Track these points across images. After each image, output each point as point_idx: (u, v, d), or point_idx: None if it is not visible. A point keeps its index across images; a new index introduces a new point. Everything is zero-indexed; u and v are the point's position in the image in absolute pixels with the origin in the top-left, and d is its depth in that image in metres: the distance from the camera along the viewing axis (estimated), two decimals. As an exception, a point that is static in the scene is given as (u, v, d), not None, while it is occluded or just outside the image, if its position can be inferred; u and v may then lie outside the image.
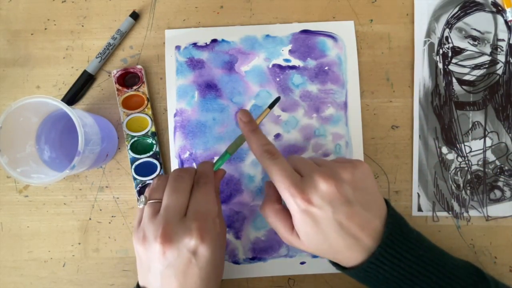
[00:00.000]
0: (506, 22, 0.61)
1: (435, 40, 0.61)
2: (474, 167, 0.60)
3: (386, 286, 0.47)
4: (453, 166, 0.60)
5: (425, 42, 0.61)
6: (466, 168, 0.60)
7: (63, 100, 0.60)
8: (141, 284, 0.48)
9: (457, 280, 0.47)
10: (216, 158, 0.60)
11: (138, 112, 0.60)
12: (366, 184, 0.47)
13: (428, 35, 0.61)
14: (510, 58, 0.60)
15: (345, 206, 0.45)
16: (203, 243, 0.45)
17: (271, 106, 0.53)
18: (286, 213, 0.48)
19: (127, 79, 0.61)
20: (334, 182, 0.45)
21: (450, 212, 0.60)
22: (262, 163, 0.48)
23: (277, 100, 0.53)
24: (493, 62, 0.61)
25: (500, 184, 0.60)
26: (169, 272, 0.45)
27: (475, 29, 0.61)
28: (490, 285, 0.47)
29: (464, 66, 0.61)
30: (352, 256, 0.46)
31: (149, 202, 0.48)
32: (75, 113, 0.48)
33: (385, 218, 0.47)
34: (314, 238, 0.46)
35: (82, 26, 0.62)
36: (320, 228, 0.45)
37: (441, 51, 0.61)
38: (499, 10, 0.61)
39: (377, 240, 0.46)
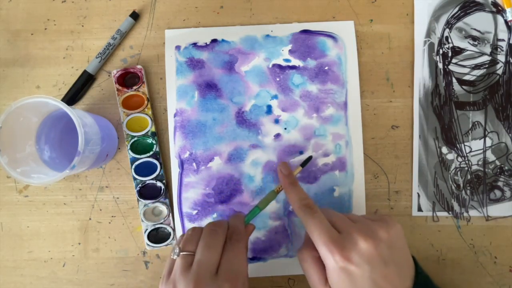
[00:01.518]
0: (506, 22, 0.61)
1: (435, 40, 0.61)
2: (474, 167, 0.60)
3: None
4: (453, 166, 0.60)
5: (425, 42, 0.61)
6: (466, 168, 0.60)
7: (63, 100, 0.61)
8: None
9: None
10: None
11: (138, 112, 0.60)
12: (399, 243, 0.48)
13: (428, 35, 0.61)
14: (510, 58, 0.60)
15: (382, 266, 0.45)
16: None
17: (304, 164, 0.57)
18: (322, 263, 0.48)
19: (127, 79, 0.61)
20: (372, 241, 0.46)
21: (450, 212, 0.60)
22: (300, 216, 0.50)
23: (309, 159, 0.57)
24: (493, 62, 0.61)
25: (500, 184, 0.60)
26: None
27: (475, 29, 0.61)
28: None
29: (464, 66, 0.61)
30: None
31: (182, 254, 0.48)
32: (75, 113, 0.48)
33: (414, 277, 0.47)
34: None
35: (82, 26, 0.62)
36: (356, 286, 0.45)
37: (441, 51, 0.61)
38: (499, 10, 0.61)
39: None
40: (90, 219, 0.61)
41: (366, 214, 0.60)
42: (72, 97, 0.61)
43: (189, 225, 0.60)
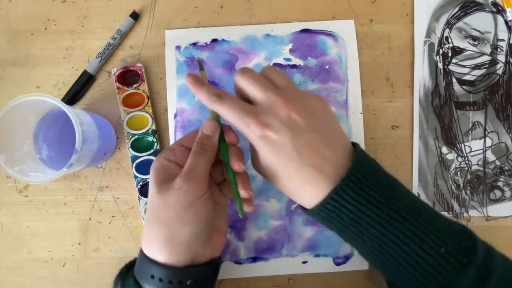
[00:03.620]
0: (506, 22, 0.61)
1: (435, 40, 0.61)
2: (474, 167, 0.60)
3: (352, 230, 0.43)
4: (453, 166, 0.60)
5: (425, 42, 0.61)
6: (466, 168, 0.60)
7: (63, 100, 0.60)
8: None
9: (439, 237, 0.42)
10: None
11: (138, 110, 0.60)
12: (328, 118, 0.45)
13: (428, 35, 0.61)
14: (510, 58, 0.61)
15: (305, 132, 0.42)
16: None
17: (201, 68, 0.50)
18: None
19: (127, 77, 0.61)
20: (294, 106, 0.43)
21: (450, 212, 0.60)
22: (212, 107, 0.45)
23: (199, 62, 0.51)
24: (493, 62, 0.61)
25: (500, 184, 0.60)
26: None
27: (475, 29, 0.61)
28: (478, 255, 0.42)
29: (464, 66, 0.61)
30: (313, 192, 0.43)
31: None
32: (72, 111, 0.48)
33: (352, 155, 0.44)
34: (273, 167, 0.44)
35: (82, 26, 0.62)
36: (279, 155, 0.43)
37: (441, 51, 0.61)
38: (499, 10, 0.61)
39: (341, 175, 0.42)
40: (90, 219, 0.61)
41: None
42: (72, 97, 0.61)
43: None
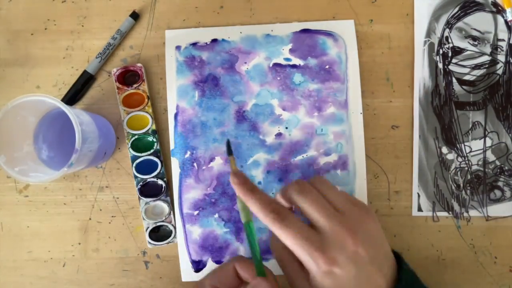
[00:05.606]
0: (506, 22, 0.61)
1: (435, 40, 0.61)
2: (474, 167, 0.60)
3: None
4: (453, 166, 0.60)
5: (425, 42, 0.61)
6: (466, 168, 0.60)
7: (63, 100, 0.60)
8: None
9: None
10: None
11: (138, 110, 0.60)
12: (380, 238, 0.46)
13: (428, 35, 0.61)
14: (510, 58, 0.61)
15: (367, 266, 0.42)
16: None
17: (230, 152, 0.48)
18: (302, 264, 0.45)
19: (127, 77, 0.61)
20: (360, 237, 0.43)
21: (450, 212, 0.60)
22: (269, 226, 0.43)
23: (228, 143, 0.49)
24: (493, 62, 0.61)
25: (500, 184, 0.60)
26: None
27: (475, 29, 0.61)
28: None
29: (464, 66, 0.61)
30: None
31: None
32: (72, 111, 0.48)
33: (397, 273, 0.45)
34: None
35: (82, 26, 0.62)
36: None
37: (441, 51, 0.61)
38: (499, 10, 0.61)
39: None
40: (90, 219, 0.61)
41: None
42: (72, 97, 0.61)
43: (189, 226, 0.60)
